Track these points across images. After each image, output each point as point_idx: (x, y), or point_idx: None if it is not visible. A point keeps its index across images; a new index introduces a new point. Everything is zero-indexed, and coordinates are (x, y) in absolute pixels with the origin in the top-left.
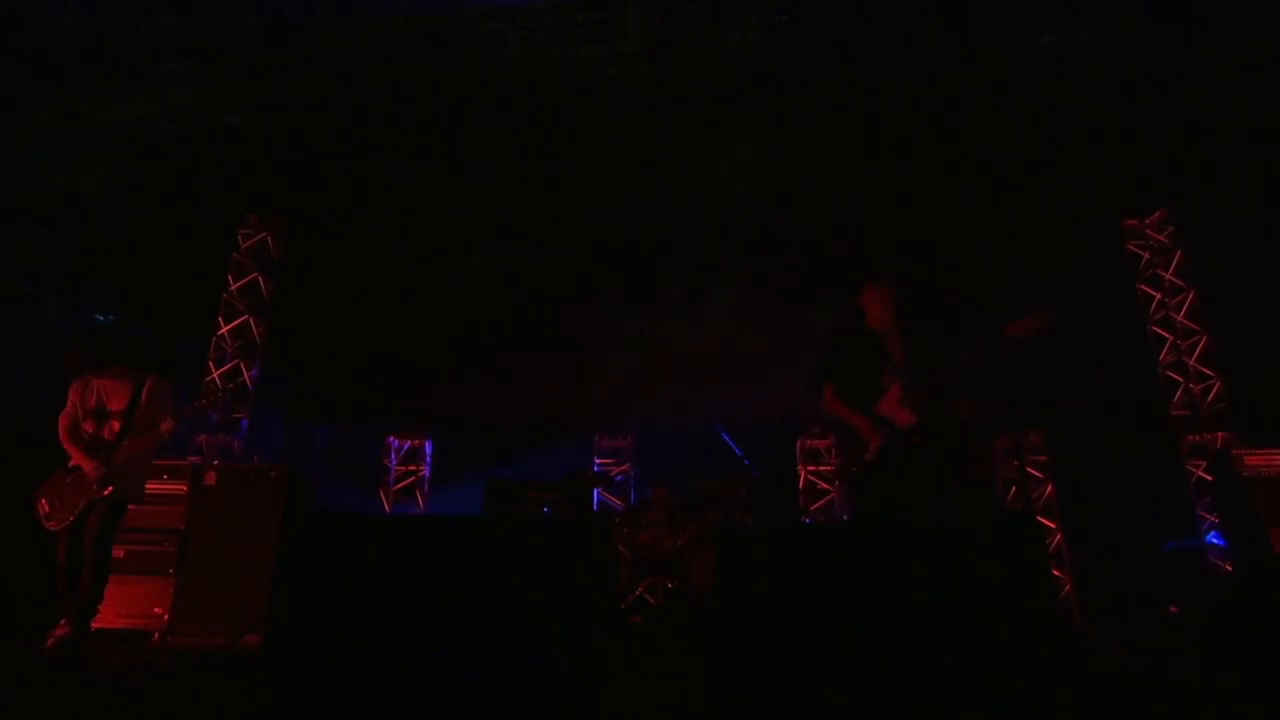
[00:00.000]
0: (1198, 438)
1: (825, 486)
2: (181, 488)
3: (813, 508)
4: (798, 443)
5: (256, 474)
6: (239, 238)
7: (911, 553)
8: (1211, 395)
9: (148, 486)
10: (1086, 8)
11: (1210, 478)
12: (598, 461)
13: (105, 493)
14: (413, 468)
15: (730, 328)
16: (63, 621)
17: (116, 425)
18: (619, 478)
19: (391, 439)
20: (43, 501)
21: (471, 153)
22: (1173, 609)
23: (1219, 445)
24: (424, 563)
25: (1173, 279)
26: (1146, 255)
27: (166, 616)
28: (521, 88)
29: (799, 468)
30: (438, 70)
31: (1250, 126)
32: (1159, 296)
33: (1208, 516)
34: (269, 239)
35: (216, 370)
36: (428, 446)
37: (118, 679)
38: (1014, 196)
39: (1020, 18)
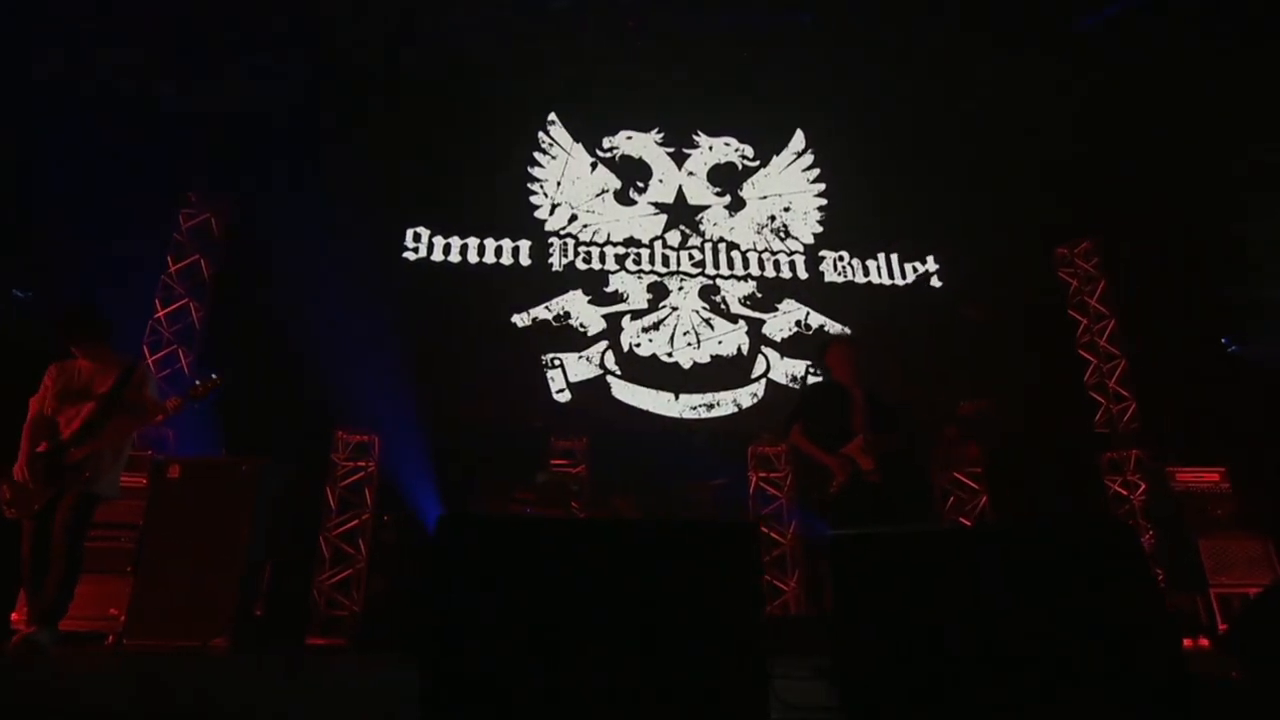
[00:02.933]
0: (1115, 454)
1: (775, 493)
2: (141, 480)
3: (763, 511)
4: (749, 449)
5: (226, 467)
6: (180, 218)
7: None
8: (1127, 415)
9: None
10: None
11: (1125, 492)
12: (552, 463)
13: (85, 476)
14: (361, 463)
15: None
16: (16, 617)
17: (98, 410)
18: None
19: (339, 433)
20: (4, 487)
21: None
22: None
23: (1131, 463)
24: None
25: (1097, 305)
26: (1075, 283)
27: (123, 618)
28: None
29: (750, 473)
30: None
31: (1172, 170)
32: (1085, 322)
33: None
34: (212, 220)
35: (152, 356)
36: (376, 442)
37: (76, 685)
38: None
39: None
